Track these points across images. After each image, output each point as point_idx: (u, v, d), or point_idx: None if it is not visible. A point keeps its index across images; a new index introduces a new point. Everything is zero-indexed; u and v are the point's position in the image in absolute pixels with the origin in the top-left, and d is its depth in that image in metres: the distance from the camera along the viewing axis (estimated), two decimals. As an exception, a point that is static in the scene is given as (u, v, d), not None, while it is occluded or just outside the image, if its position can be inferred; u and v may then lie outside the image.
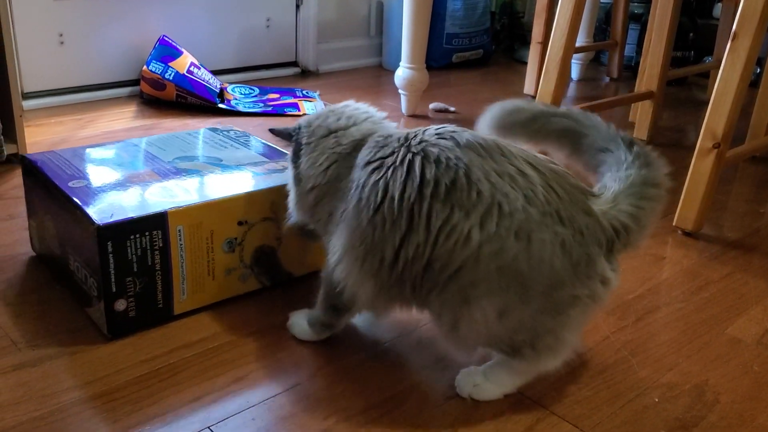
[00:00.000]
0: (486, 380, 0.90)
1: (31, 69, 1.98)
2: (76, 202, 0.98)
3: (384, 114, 1.00)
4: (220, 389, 0.90)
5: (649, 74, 1.92)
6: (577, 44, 2.63)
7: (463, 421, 0.86)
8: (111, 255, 0.94)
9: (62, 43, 2.01)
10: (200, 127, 1.62)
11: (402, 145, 0.86)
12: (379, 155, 0.87)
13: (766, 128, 1.80)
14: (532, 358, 0.86)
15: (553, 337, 0.84)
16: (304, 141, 0.97)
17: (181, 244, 1.00)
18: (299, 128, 0.99)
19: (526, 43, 2.89)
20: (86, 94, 2.08)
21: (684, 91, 2.60)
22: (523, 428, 0.86)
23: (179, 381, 0.91)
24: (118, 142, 1.24)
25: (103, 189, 1.03)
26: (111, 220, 0.94)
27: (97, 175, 1.09)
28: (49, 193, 1.07)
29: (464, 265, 0.80)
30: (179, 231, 0.99)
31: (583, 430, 0.86)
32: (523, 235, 0.79)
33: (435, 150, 0.83)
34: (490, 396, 0.90)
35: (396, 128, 0.97)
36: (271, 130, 1.03)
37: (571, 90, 2.56)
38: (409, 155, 0.84)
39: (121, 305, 0.97)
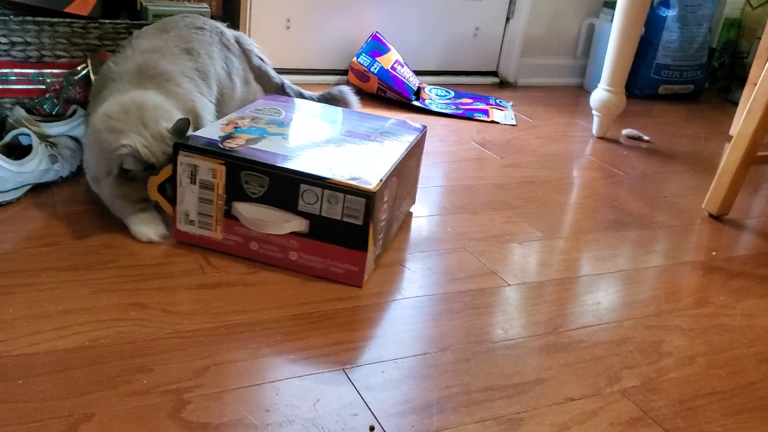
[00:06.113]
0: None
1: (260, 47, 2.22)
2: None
3: None
4: (358, 341, 0.99)
5: None
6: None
7: (578, 422, 0.89)
8: None
9: (288, 27, 2.24)
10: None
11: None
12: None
13: None
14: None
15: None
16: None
17: None
18: None
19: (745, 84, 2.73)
20: (301, 76, 2.29)
21: None
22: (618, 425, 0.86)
23: (327, 326, 1.01)
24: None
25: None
26: None
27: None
28: None
29: None
30: None
31: (700, 459, 0.85)
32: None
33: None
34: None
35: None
36: None
37: (785, 139, 2.38)
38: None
39: None
